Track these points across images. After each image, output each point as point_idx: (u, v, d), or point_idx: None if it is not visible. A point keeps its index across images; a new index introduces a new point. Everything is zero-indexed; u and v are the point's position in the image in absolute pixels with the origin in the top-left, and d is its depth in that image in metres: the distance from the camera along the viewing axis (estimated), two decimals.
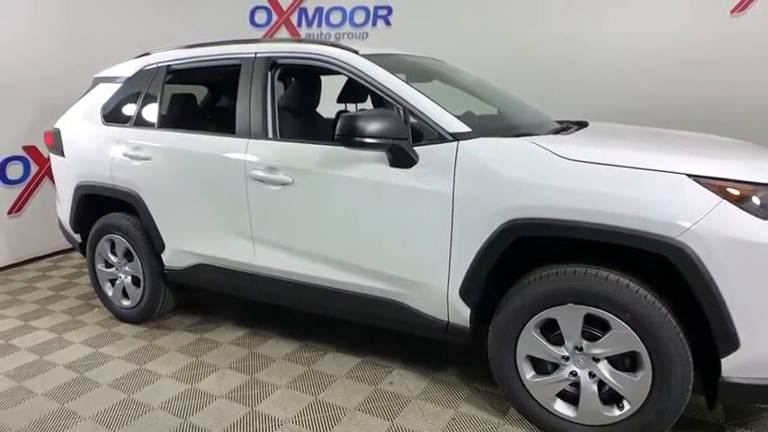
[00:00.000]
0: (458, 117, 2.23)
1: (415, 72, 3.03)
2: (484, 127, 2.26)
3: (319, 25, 6.15)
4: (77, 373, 2.76)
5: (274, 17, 5.95)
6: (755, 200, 1.73)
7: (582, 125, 2.74)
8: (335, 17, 5.83)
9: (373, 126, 2.13)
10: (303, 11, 5.90)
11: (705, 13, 4.48)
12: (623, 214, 1.82)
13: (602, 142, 2.25)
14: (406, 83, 2.36)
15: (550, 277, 1.99)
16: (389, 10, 5.58)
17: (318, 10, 5.86)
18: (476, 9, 5.17)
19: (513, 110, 2.92)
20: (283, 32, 6.18)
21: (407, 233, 2.25)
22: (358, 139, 2.14)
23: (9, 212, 4.50)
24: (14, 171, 4.49)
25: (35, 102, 4.45)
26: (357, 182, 2.33)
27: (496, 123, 2.61)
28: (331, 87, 3.28)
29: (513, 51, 5.00)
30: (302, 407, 2.39)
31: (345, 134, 2.14)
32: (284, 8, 5.89)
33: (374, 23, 5.68)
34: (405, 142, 2.19)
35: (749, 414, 2.25)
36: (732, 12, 4.44)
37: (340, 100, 3.43)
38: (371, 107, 3.38)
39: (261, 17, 5.95)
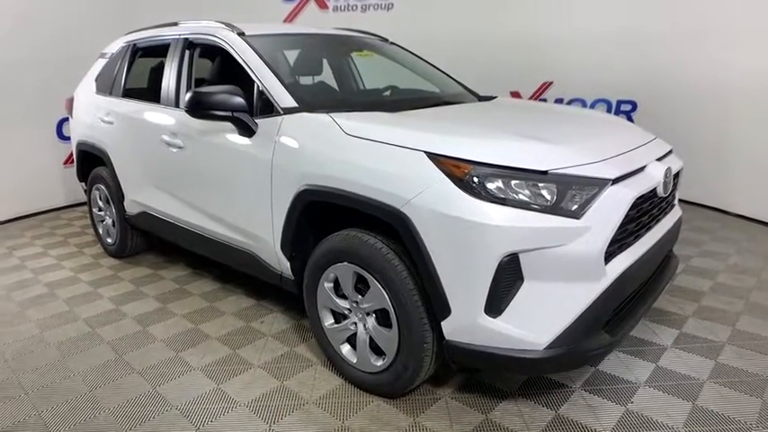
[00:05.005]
0: (291, 93, 2.52)
1: (327, 48, 3.35)
2: (314, 102, 2.53)
3: None
4: (49, 288, 3.54)
5: None
6: (473, 178, 1.86)
7: (487, 99, 3.07)
8: None
9: (213, 100, 2.49)
10: None
11: None
12: (370, 186, 2.03)
13: (399, 120, 2.32)
14: (264, 62, 2.68)
15: (334, 239, 2.26)
16: None
17: None
18: None
19: (431, 83, 3.32)
20: (312, 6, 6.59)
21: (249, 193, 2.61)
22: (202, 111, 2.53)
23: (64, 163, 5.55)
24: (68, 129, 5.48)
25: (85, 72, 5.35)
26: (219, 147, 2.73)
27: (354, 98, 2.84)
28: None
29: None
30: (179, 331, 2.92)
31: (191, 107, 2.53)
32: None
33: None
34: (244, 114, 2.53)
35: (605, 382, 2.36)
36: None
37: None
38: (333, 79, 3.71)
39: None
